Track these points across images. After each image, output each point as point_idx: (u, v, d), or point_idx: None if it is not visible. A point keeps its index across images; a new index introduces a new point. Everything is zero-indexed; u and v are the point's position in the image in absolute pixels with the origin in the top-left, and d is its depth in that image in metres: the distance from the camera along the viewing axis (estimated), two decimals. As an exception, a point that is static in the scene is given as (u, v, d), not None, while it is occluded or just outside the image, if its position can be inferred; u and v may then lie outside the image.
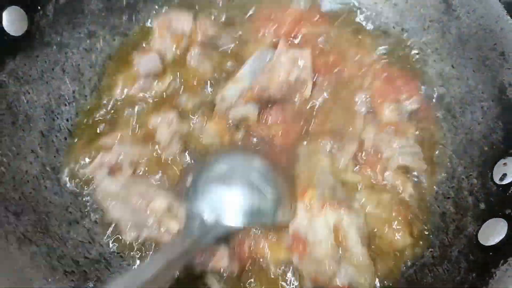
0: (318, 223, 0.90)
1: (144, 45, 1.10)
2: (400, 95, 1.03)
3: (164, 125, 0.99)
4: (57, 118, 1.01)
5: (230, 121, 1.01)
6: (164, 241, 0.92)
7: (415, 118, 1.05)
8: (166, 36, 1.08)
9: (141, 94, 1.05)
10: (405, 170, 1.00)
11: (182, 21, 1.09)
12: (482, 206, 0.91)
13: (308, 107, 1.04)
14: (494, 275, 0.80)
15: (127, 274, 0.79)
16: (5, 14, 0.86)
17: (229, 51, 1.10)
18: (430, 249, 0.95)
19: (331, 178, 0.96)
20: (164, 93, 1.05)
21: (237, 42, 1.10)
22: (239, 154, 0.99)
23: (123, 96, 1.05)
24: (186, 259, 0.84)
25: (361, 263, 0.89)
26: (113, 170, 0.96)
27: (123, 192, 0.93)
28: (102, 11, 1.06)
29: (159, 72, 1.05)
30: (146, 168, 0.98)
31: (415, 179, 1.01)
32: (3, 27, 0.87)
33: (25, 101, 0.95)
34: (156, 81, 1.05)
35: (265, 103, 1.02)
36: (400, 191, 0.98)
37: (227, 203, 0.89)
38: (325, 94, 1.04)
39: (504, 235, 0.82)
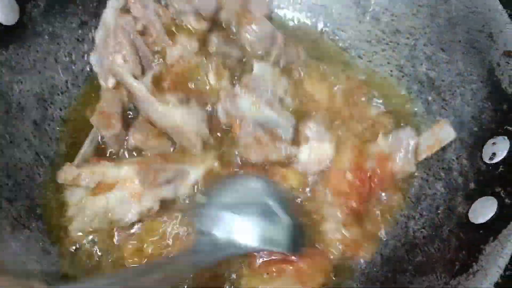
0: None
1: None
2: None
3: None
4: (50, 107, 1.02)
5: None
6: None
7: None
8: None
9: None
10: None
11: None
12: (472, 185, 0.92)
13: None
14: (484, 251, 0.80)
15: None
16: (-3, 4, 0.87)
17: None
18: (421, 230, 0.95)
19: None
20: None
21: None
22: (257, 178, 0.98)
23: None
24: (193, 271, 0.87)
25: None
26: None
27: None
28: (94, 1, 1.06)
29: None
30: None
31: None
32: (-5, 17, 0.88)
33: (18, 90, 0.95)
34: None
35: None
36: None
37: (241, 223, 0.90)
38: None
39: (493, 213, 0.83)
